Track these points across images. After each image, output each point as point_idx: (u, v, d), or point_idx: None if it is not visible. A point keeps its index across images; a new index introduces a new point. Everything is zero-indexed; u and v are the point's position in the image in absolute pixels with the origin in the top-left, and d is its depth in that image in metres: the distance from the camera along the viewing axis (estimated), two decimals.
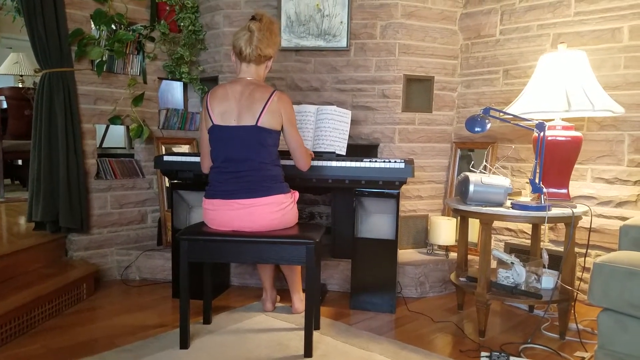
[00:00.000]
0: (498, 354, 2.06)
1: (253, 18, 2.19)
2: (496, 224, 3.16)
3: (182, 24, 3.28)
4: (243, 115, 2.12)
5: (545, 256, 2.40)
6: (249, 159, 2.12)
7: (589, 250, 2.80)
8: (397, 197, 2.53)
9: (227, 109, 2.14)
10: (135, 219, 3.23)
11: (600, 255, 2.66)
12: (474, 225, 3.04)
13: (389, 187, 2.51)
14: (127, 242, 3.18)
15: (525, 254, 2.79)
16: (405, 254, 3.11)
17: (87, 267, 2.81)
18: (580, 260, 2.74)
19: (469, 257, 2.93)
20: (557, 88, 2.35)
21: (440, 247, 3.21)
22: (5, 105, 5.03)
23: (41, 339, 2.19)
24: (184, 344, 2.09)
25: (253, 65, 2.22)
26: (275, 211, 2.13)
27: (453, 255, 3.09)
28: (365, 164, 2.46)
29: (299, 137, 2.25)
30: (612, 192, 2.71)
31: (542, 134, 2.20)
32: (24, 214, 3.21)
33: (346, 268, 2.92)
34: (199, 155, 2.63)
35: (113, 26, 3.04)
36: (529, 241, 2.94)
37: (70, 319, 2.44)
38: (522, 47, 3.02)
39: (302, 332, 2.29)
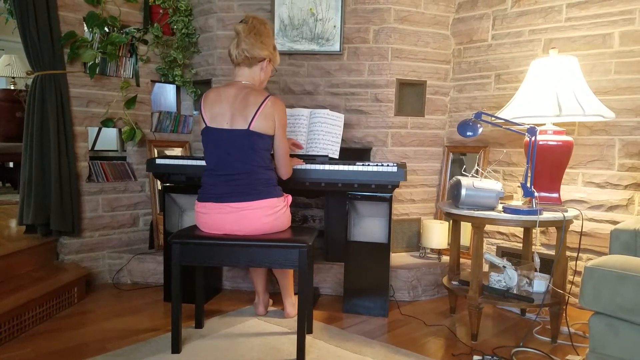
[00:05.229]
0: (490, 357, 2.07)
1: (241, 20, 2.20)
2: (488, 227, 3.17)
3: (175, 27, 3.27)
4: (236, 119, 2.12)
5: (537, 260, 2.42)
6: (241, 163, 2.12)
7: (580, 254, 2.81)
8: (389, 201, 2.54)
9: (220, 112, 2.14)
10: (127, 222, 3.21)
11: (591, 259, 2.68)
12: (466, 228, 3.05)
13: (381, 191, 2.52)
14: (118, 246, 3.16)
15: (517, 258, 2.80)
16: (398, 258, 3.12)
17: (78, 270, 2.79)
18: (571, 263, 2.76)
19: (461, 260, 2.94)
20: (549, 93, 2.37)
21: (432, 250, 3.22)
22: None
23: (31, 343, 2.17)
24: (176, 348, 2.08)
25: (245, 68, 2.22)
26: (268, 215, 2.13)
27: (445, 258, 3.09)
28: (358, 167, 2.47)
29: (286, 144, 2.25)
30: (603, 196, 2.73)
31: (533, 138, 2.22)
32: (15, 217, 3.18)
33: (339, 271, 2.92)
34: (191, 159, 2.63)
35: (106, 29, 3.03)
36: (521, 245, 2.96)
37: (61, 323, 2.42)
38: (514, 52, 3.04)
39: (295, 336, 2.29)
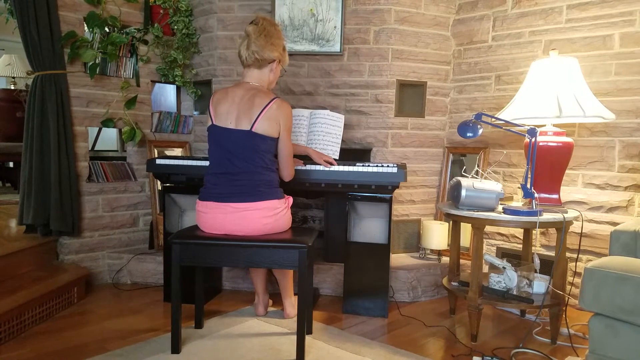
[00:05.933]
0: (490, 358, 2.07)
1: (251, 22, 2.20)
2: (488, 228, 3.17)
3: (175, 27, 3.27)
4: (241, 120, 2.13)
5: (537, 261, 2.42)
6: (243, 163, 2.12)
7: (580, 255, 2.81)
8: (389, 202, 2.54)
9: (226, 111, 2.15)
10: (127, 222, 3.21)
11: (591, 260, 2.67)
12: (466, 229, 3.05)
13: (381, 192, 2.52)
14: (118, 246, 3.16)
15: (517, 259, 2.80)
16: (398, 258, 3.12)
17: (78, 270, 2.79)
18: (571, 265, 2.76)
19: (461, 261, 2.94)
20: (549, 94, 2.37)
21: (432, 251, 3.22)
22: None
23: (31, 343, 2.17)
24: (176, 348, 2.08)
25: (254, 70, 2.22)
26: (268, 216, 2.13)
27: (445, 259, 3.09)
28: (358, 168, 2.47)
29: (290, 147, 2.25)
30: (603, 198, 2.73)
31: (533, 139, 2.22)
32: (15, 217, 3.18)
33: (339, 272, 2.92)
34: (191, 159, 2.63)
35: (106, 29, 3.03)
36: (521, 246, 2.96)
37: (61, 323, 2.42)
38: (514, 53, 3.04)
39: (295, 337, 2.29)
